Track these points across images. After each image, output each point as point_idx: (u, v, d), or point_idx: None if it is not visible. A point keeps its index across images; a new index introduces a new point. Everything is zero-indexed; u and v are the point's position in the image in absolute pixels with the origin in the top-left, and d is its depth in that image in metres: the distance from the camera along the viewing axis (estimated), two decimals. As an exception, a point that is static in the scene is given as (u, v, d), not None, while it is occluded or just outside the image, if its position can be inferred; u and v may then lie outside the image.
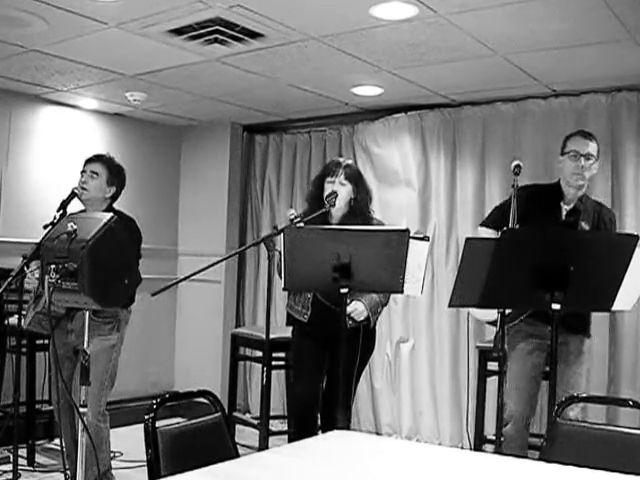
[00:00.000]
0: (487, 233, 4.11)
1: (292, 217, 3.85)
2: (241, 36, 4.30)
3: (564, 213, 4.00)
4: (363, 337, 4.02)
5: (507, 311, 3.89)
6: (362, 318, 4.00)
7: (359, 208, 4.12)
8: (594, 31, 4.05)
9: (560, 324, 3.85)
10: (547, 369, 4.03)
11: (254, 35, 4.29)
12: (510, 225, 3.63)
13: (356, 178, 4.15)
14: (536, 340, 3.99)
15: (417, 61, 4.71)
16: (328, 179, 4.11)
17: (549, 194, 4.03)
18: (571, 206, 4.00)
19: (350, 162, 4.27)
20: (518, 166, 3.74)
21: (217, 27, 4.17)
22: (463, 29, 4.09)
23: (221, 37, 4.33)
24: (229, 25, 4.14)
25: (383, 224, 4.22)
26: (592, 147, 3.94)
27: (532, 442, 4.20)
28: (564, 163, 3.98)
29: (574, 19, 3.89)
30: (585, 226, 3.93)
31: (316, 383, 4.19)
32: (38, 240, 4.11)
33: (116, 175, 4.28)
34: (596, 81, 5.04)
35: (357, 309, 3.98)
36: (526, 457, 3.86)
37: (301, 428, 4.17)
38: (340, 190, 4.05)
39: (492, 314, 3.95)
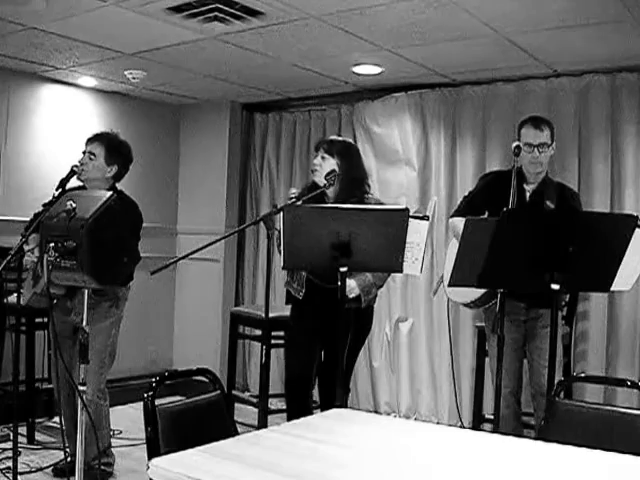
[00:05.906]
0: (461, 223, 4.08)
1: (293, 196, 3.84)
2: (241, 14, 4.27)
3: (528, 194, 4.08)
4: (356, 318, 3.98)
5: (476, 295, 3.94)
6: (353, 295, 3.93)
7: (350, 182, 4.03)
8: (595, 11, 4.02)
9: (533, 298, 3.94)
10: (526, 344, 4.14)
11: (254, 13, 4.26)
12: (510, 205, 3.65)
13: (339, 151, 4.05)
14: (511, 317, 4.01)
15: (417, 40, 4.68)
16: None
17: (511, 178, 4.01)
18: (534, 187, 4.08)
19: (334, 138, 4.26)
20: (518, 147, 3.78)
21: (216, 4, 4.14)
22: (464, 8, 4.06)
23: (220, 15, 4.30)
24: (229, 2, 4.10)
25: (382, 203, 4.21)
26: (544, 136, 4.00)
27: (525, 420, 4.23)
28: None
29: (576, -2, 3.87)
30: (550, 205, 4.01)
31: (305, 360, 4.18)
32: (33, 215, 4.13)
33: (115, 154, 4.22)
34: (597, 62, 5.02)
35: (348, 285, 3.90)
36: (521, 434, 3.90)
37: (292, 402, 4.21)
38: (322, 165, 4.01)
39: (467, 296, 3.99)
